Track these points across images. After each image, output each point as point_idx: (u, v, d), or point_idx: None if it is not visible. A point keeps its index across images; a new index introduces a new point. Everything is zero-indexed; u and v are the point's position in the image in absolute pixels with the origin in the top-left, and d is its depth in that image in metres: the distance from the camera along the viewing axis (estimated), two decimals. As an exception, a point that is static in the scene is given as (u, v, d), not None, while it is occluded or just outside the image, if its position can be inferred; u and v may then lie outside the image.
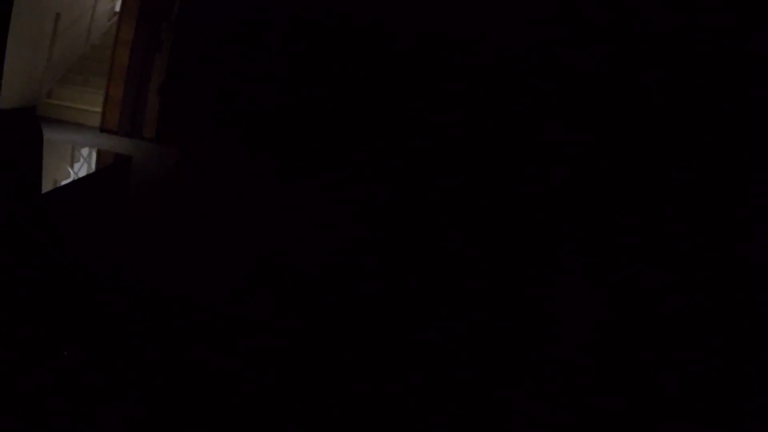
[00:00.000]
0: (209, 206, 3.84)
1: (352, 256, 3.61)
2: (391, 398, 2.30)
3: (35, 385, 1.81)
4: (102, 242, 3.04)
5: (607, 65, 3.94)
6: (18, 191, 3.31)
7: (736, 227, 3.62)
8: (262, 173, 4.18)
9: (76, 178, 3.90)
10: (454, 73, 4.11)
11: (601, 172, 3.94)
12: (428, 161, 4.13)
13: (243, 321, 2.72)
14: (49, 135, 4.42)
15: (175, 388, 2.06)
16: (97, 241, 3.02)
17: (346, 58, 4.15)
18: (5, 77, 4.11)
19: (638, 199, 3.87)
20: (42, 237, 2.80)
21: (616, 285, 3.60)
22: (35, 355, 1.97)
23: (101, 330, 2.28)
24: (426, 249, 3.83)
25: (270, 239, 3.63)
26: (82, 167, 4.11)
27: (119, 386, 1.96)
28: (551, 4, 3.97)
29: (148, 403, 1.93)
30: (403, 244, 3.84)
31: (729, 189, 3.71)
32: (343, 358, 2.57)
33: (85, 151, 4.39)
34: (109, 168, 3.98)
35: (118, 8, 6.16)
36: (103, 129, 4.27)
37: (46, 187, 3.64)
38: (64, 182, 3.79)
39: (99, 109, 4.49)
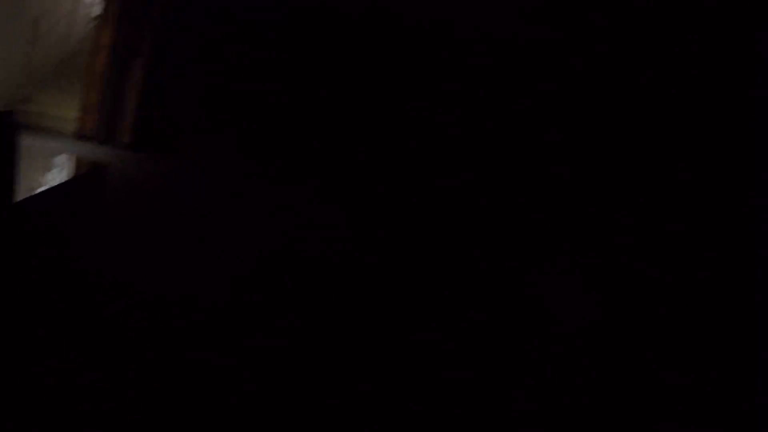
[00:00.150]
0: (190, 209, 3.79)
1: (351, 256, 3.58)
2: (391, 398, 2.27)
3: (33, 387, 1.76)
4: (81, 250, 2.97)
5: (606, 65, 3.95)
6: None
7: (736, 227, 3.62)
8: (250, 174, 4.13)
9: (52, 185, 3.82)
10: (453, 73, 4.10)
11: (601, 172, 3.95)
12: (428, 161, 4.11)
13: (243, 321, 2.68)
14: (26, 141, 4.33)
15: (176, 388, 2.02)
16: (75, 248, 2.95)
17: (339, 57, 4.12)
18: (-22, 82, 4.02)
19: (638, 199, 3.87)
20: (17, 245, 2.72)
21: (616, 285, 3.60)
22: (30, 358, 1.91)
23: (98, 332, 2.23)
24: (426, 249, 3.80)
25: (266, 240, 3.57)
26: (58, 174, 4.03)
27: (119, 386, 1.92)
28: (551, 4, 3.97)
29: (148, 403, 1.88)
30: (403, 244, 3.81)
31: (729, 189, 3.71)
32: (343, 358, 2.54)
33: (61, 158, 4.30)
34: (85, 175, 3.90)
35: (96, 13, 6.09)
36: (80, 135, 4.19)
37: (22, 194, 3.55)
38: (39, 190, 3.71)
39: (76, 116, 4.41)
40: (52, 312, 2.20)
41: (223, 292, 2.86)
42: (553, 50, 3.98)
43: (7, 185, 3.55)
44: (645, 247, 3.74)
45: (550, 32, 3.97)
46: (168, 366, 2.15)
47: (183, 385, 2.05)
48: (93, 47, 4.61)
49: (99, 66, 4.42)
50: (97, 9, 6.27)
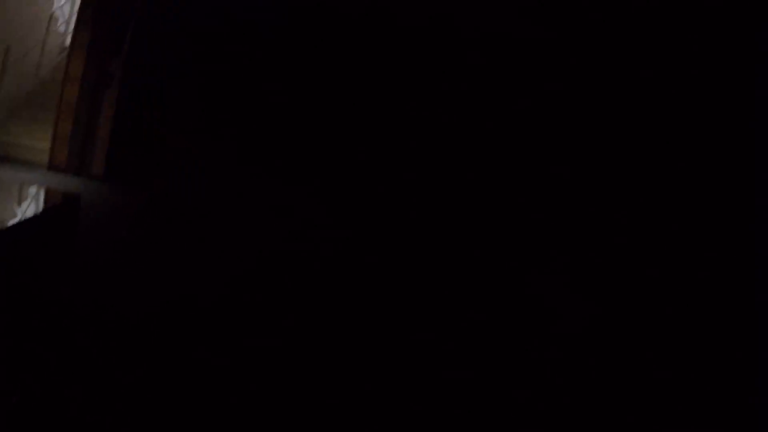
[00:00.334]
0: (166, 236, 3.80)
1: (351, 256, 3.58)
2: (391, 398, 2.29)
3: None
4: (54, 279, 2.98)
5: (606, 65, 3.93)
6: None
7: (736, 227, 3.61)
8: (249, 175, 4.09)
9: (23, 217, 3.81)
10: (453, 73, 4.10)
11: (600, 172, 3.94)
12: (428, 161, 4.09)
13: (243, 321, 2.69)
14: (-2, 172, 4.31)
15: (176, 388, 2.03)
16: (48, 278, 2.96)
17: (339, 57, 4.10)
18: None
19: (638, 199, 3.86)
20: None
21: (616, 285, 3.62)
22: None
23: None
24: (426, 249, 3.81)
25: (266, 240, 3.57)
26: (30, 206, 4.03)
27: (119, 387, 1.93)
28: (550, 3, 3.97)
29: (149, 403, 1.89)
30: (403, 244, 3.82)
31: (729, 189, 3.70)
32: (343, 357, 2.56)
33: (33, 189, 4.30)
34: (57, 206, 3.91)
35: (68, 43, 6.10)
36: (51, 166, 4.20)
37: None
38: (11, 222, 3.70)
39: (47, 146, 4.41)
40: (26, 340, 2.21)
41: (214, 298, 2.88)
42: (553, 50, 3.98)
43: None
44: (645, 247, 3.75)
45: (550, 32, 3.97)
46: (168, 366, 2.16)
47: (183, 386, 2.06)
48: (64, 77, 4.63)
49: (70, 96, 4.44)
50: (68, 39, 6.29)
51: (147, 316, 2.65)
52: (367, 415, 2.19)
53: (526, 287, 3.59)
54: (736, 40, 3.72)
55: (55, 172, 4.18)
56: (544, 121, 4.02)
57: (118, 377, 2.09)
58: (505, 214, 4.02)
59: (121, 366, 2.18)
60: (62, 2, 6.11)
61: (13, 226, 3.58)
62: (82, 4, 4.36)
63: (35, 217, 3.74)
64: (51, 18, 5.79)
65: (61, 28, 6.21)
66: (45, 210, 3.82)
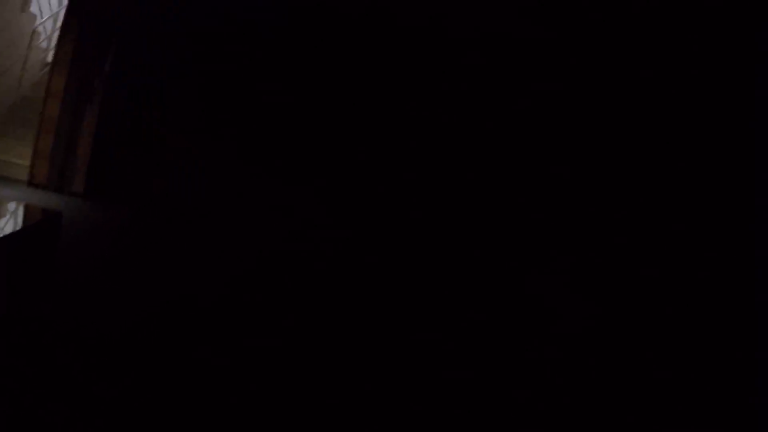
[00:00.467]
0: (150, 252, 3.77)
1: (352, 257, 3.55)
2: (391, 398, 2.27)
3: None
4: (33, 297, 2.94)
5: (606, 64, 3.95)
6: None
7: (736, 227, 3.63)
8: (248, 175, 4.03)
9: (2, 234, 3.76)
10: (453, 73, 4.06)
11: (600, 173, 3.94)
12: (428, 161, 4.07)
13: (243, 321, 2.65)
14: (-25, 189, 4.26)
15: (176, 388, 2.00)
16: (27, 296, 2.92)
17: (338, 58, 4.08)
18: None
19: (638, 199, 3.87)
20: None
21: (616, 285, 3.62)
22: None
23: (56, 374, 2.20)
24: (426, 249, 3.78)
25: (266, 241, 3.52)
26: (8, 223, 3.97)
27: (119, 387, 1.90)
28: (550, 3, 4.00)
29: (149, 403, 1.87)
30: (403, 244, 3.79)
31: (729, 189, 3.72)
32: (343, 357, 2.53)
33: (11, 205, 4.24)
34: (37, 224, 3.86)
35: (50, 59, 6.10)
36: (31, 183, 4.15)
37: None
38: (-12, 239, 3.65)
39: (28, 162, 4.38)
40: (4, 356, 2.18)
41: (214, 298, 2.84)
42: (553, 50, 4.01)
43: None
44: (645, 247, 3.76)
45: (550, 32, 4.00)
46: (168, 366, 2.13)
47: (184, 385, 2.04)
48: (46, 93, 4.61)
49: (51, 112, 4.42)
50: (50, 55, 6.27)
51: (146, 318, 2.62)
52: (367, 415, 2.18)
53: (526, 287, 3.59)
54: (736, 40, 3.76)
55: (35, 189, 4.14)
56: (544, 121, 4.04)
57: (104, 392, 2.07)
58: (505, 214, 3.99)
59: (109, 378, 2.16)
60: (44, 18, 6.11)
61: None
62: (64, 20, 4.36)
63: (16, 233, 3.70)
64: (33, 34, 5.78)
65: (43, 44, 6.20)
66: (24, 227, 3.77)
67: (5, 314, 2.70)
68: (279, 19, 4.06)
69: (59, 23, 6.46)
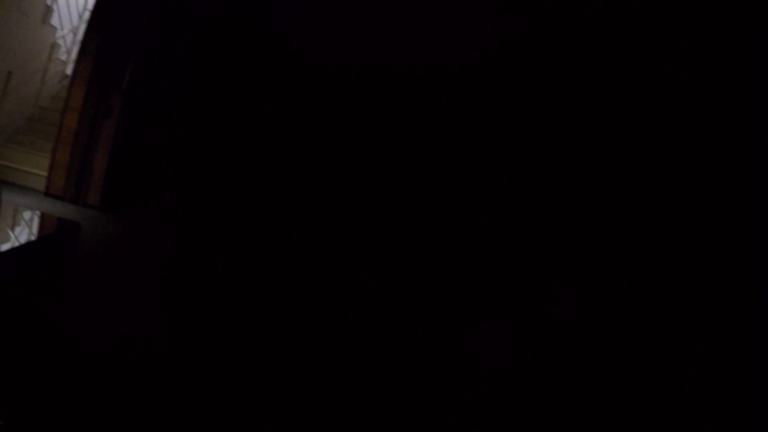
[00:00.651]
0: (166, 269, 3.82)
1: (352, 257, 3.55)
2: (391, 398, 2.27)
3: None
4: (49, 306, 2.99)
5: (606, 64, 3.94)
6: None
7: (736, 227, 3.62)
8: (248, 176, 4.06)
9: (19, 243, 3.84)
10: (453, 73, 4.11)
11: (600, 173, 3.93)
12: (428, 164, 4.06)
13: (243, 321, 2.66)
14: (-8, 197, 4.35)
15: (175, 388, 2.01)
16: (43, 304, 2.97)
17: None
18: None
19: (638, 199, 3.86)
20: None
21: (616, 285, 3.61)
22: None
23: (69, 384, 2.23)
24: (426, 250, 3.78)
25: (266, 240, 3.52)
26: (23, 231, 4.06)
27: (119, 388, 1.92)
28: (551, 3, 4.00)
29: (149, 402, 1.88)
30: (403, 244, 3.80)
31: (729, 189, 3.71)
32: (343, 358, 2.53)
33: (27, 214, 4.34)
34: (53, 234, 3.94)
35: (69, 71, 6.23)
36: (47, 193, 4.25)
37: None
38: (3, 246, 3.73)
39: (45, 173, 4.48)
40: (18, 366, 2.21)
41: (214, 298, 2.86)
42: (553, 50, 4.01)
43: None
44: (645, 248, 3.75)
45: (550, 32, 4.01)
46: (168, 366, 2.15)
47: (182, 386, 2.05)
48: (64, 105, 4.72)
49: (69, 124, 4.53)
50: (68, 68, 6.42)
51: (160, 327, 2.65)
52: (368, 415, 2.19)
53: (526, 288, 3.59)
54: (736, 40, 3.75)
55: (52, 199, 4.23)
56: (544, 121, 4.06)
57: (115, 399, 2.09)
58: (504, 214, 3.99)
59: (122, 386, 2.18)
60: (65, 31, 6.26)
61: (9, 250, 3.61)
62: (85, 35, 4.50)
63: (31, 243, 3.78)
64: (53, 46, 5.93)
65: (63, 57, 6.35)
66: (40, 237, 3.85)
67: (21, 320, 2.76)
68: (281, 21, 4.07)
69: (79, 37, 6.62)
